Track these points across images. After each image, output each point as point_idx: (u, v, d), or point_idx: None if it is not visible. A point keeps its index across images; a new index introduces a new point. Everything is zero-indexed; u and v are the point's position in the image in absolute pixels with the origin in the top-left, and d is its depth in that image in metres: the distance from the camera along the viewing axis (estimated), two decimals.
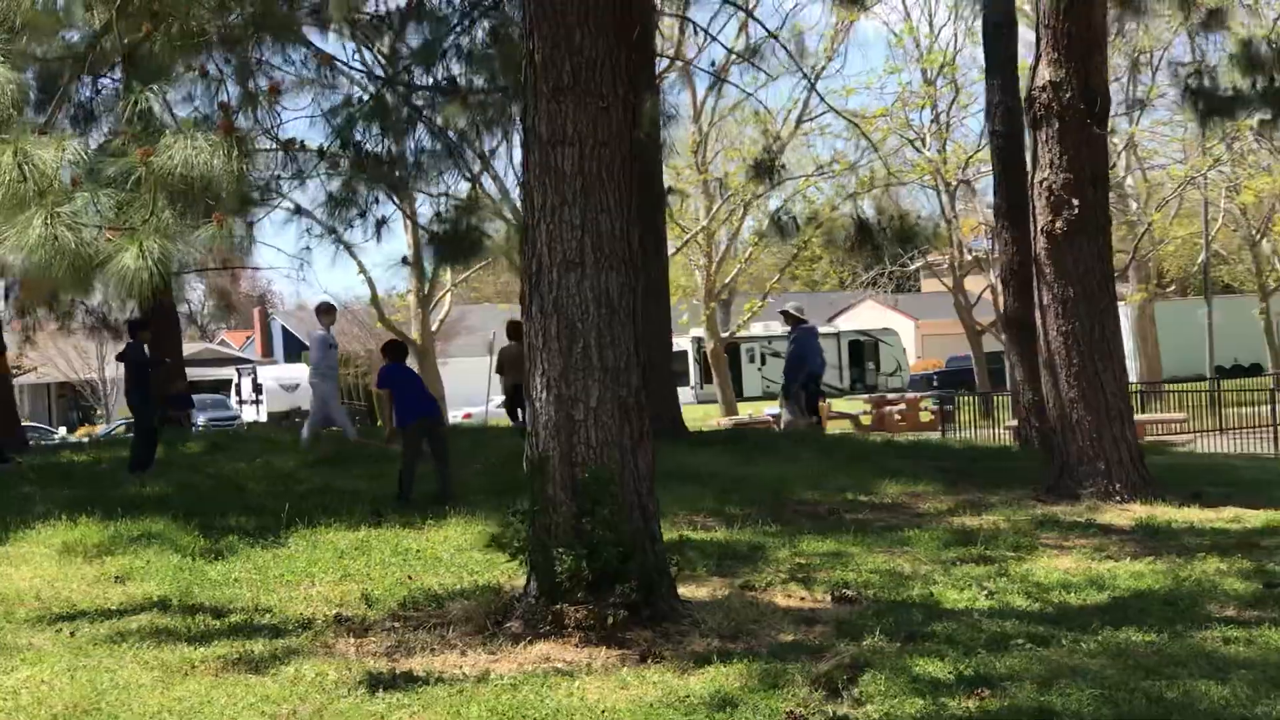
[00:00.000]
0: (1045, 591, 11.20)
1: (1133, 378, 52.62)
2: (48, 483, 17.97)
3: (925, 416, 40.26)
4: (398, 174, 18.01)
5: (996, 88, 22.78)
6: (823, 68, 44.38)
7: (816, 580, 11.76)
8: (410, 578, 12.34)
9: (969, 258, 53.33)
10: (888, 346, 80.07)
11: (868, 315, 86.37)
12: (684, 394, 68.81)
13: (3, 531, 14.64)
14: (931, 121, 49.81)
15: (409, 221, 35.77)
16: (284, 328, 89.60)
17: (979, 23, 25.50)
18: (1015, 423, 25.20)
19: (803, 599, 11.14)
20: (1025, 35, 26.75)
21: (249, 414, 65.00)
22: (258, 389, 69.51)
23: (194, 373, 66.73)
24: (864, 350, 78.94)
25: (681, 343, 74.99)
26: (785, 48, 21.75)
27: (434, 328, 52.62)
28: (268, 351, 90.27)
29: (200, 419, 56.49)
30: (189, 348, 65.30)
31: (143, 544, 13.81)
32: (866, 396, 49.52)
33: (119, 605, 11.67)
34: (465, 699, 8.56)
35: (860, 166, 47.66)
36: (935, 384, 65.62)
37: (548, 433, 10.31)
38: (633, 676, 8.92)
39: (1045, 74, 16.05)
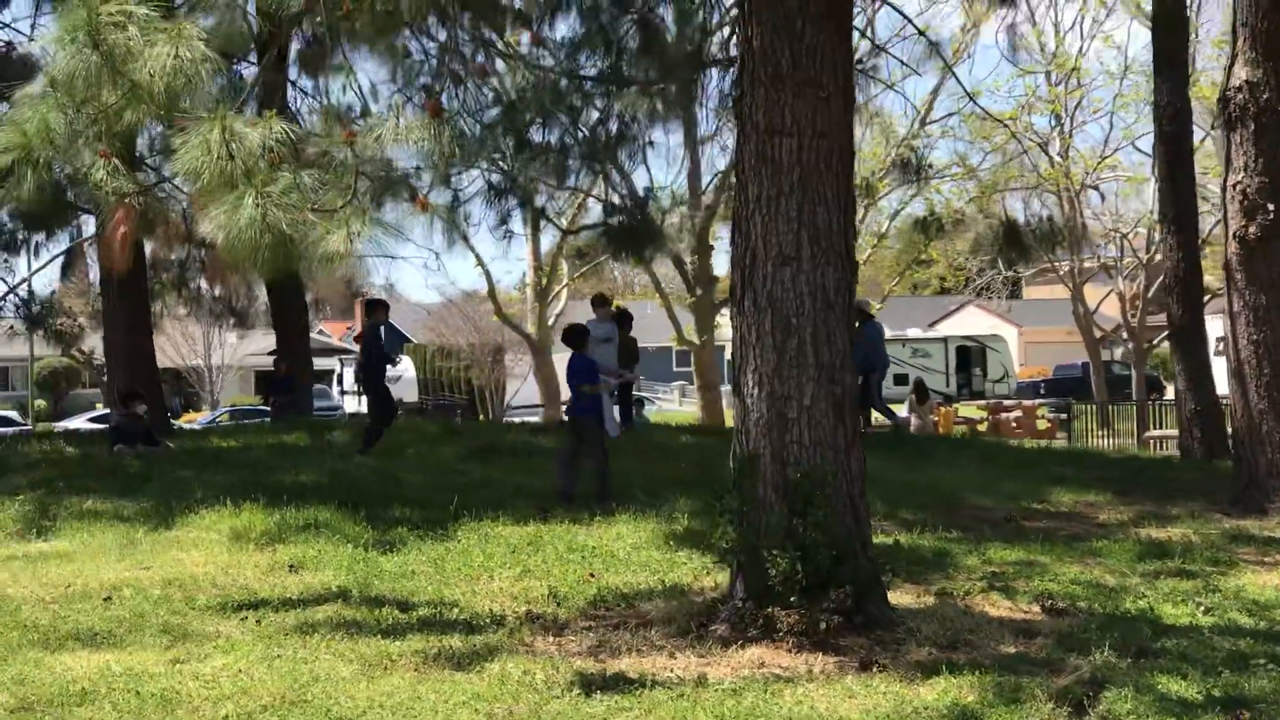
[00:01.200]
0: (1266, 610, 10.76)
1: None
2: (200, 468, 17.86)
3: (1042, 424, 39.64)
4: (569, 161, 17.59)
5: (1165, 89, 22.23)
6: (951, 66, 43.82)
7: (1018, 590, 11.37)
8: (593, 575, 12.08)
9: (1091, 265, 52.54)
10: (995, 353, 79.04)
11: (971, 320, 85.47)
12: None
13: (169, 516, 14.52)
14: (1054, 127, 48.93)
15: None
16: (392, 324, 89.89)
17: (1120, 27, 24.94)
18: (1176, 433, 24.58)
19: (1011, 609, 10.74)
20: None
21: (350, 405, 64.98)
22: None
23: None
24: (971, 356, 77.98)
25: None
26: (926, 36, 21.17)
27: (550, 322, 52.21)
28: None
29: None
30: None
31: (311, 533, 13.68)
32: (980, 403, 48.80)
33: (299, 594, 11.50)
34: (689, 704, 8.28)
35: (982, 170, 47.16)
36: (1042, 391, 64.79)
37: (759, 430, 9.98)
38: (859, 685, 8.59)
39: (1241, 74, 15.57)
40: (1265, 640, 9.63)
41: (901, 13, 22.11)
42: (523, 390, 65.13)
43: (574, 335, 16.47)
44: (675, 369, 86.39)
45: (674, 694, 8.48)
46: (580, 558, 12.76)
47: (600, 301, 22.13)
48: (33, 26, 20.83)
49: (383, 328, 20.40)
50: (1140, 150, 49.01)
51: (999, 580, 11.73)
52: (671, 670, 9.07)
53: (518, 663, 9.26)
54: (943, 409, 39.16)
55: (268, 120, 9.96)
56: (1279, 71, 15.42)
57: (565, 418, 16.23)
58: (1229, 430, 19.76)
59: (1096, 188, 49.48)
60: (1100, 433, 37.46)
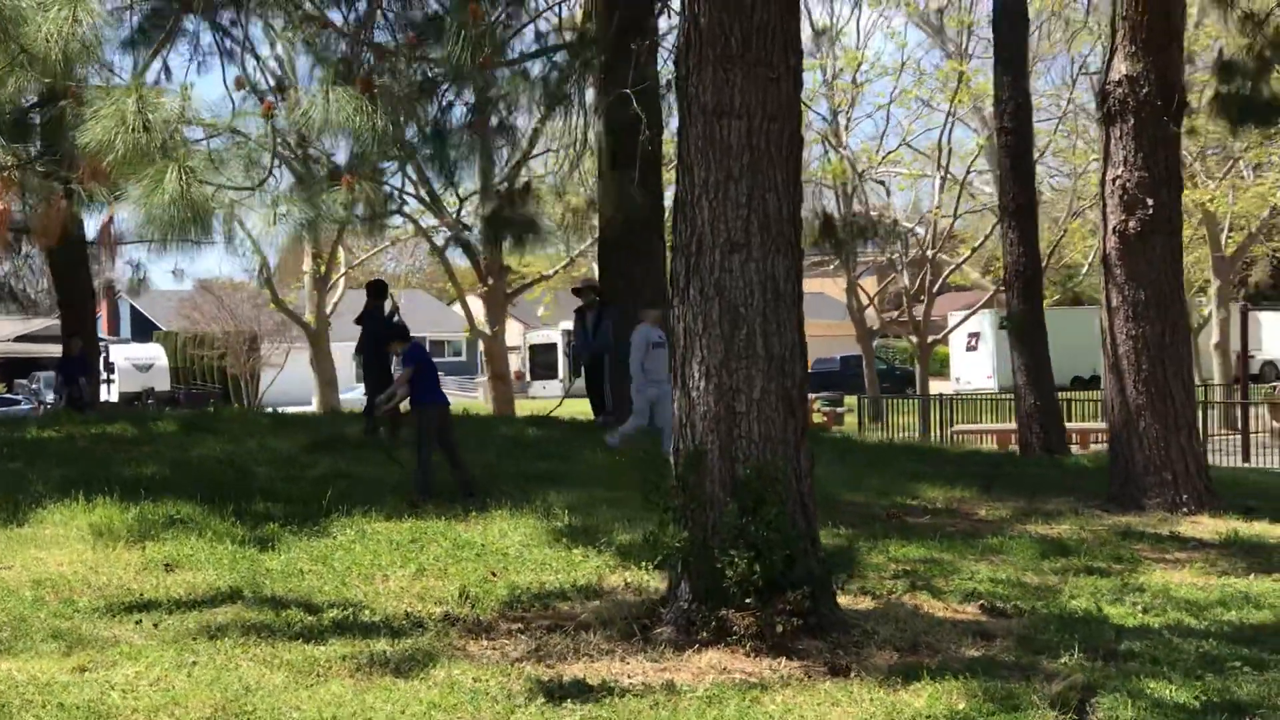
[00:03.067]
0: (1203, 609, 10.67)
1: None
2: (27, 460, 16.94)
3: (818, 417, 39.85)
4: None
5: (1007, 83, 22.29)
6: None
7: (942, 590, 11.16)
8: (494, 575, 11.64)
9: (867, 259, 53.00)
10: None
11: None
12: (553, 388, 68.25)
13: (17, 512, 13.68)
14: (829, 122, 48.91)
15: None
16: (133, 307, 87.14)
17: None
18: (985, 427, 24.80)
19: (948, 609, 10.51)
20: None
21: (100, 393, 63.09)
22: (110, 368, 67.48)
23: (36, 349, 64.95)
24: None
25: (551, 335, 74.35)
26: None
27: (329, 310, 51.13)
28: (114, 330, 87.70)
29: (49, 397, 54.82)
30: (30, 324, 63.37)
31: (179, 530, 13.00)
32: None
33: (185, 596, 10.91)
34: (669, 713, 7.90)
35: None
36: None
37: (705, 425, 9.58)
38: (839, 692, 8.27)
39: (1121, 68, 15.58)
40: (1228, 642, 9.50)
41: None
42: (281, 380, 64.03)
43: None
44: (446, 358, 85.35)
45: (648, 702, 8.10)
46: (473, 555, 12.30)
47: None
48: None
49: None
50: (913, 148, 49.67)
51: (919, 579, 11.51)
52: (630, 676, 8.68)
53: (461, 668, 8.84)
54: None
55: (182, 91, 9.31)
56: (1159, 65, 15.46)
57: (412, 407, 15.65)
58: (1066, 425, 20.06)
59: (883, 182, 49.90)
60: (872, 426, 37.79)
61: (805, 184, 23.72)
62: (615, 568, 11.86)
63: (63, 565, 11.82)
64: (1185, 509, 15.25)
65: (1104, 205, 15.92)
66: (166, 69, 15.94)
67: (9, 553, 12.25)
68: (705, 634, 9.23)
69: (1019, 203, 22.22)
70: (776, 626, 9.05)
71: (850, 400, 49.07)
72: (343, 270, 53.78)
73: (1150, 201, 15.36)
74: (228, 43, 13.34)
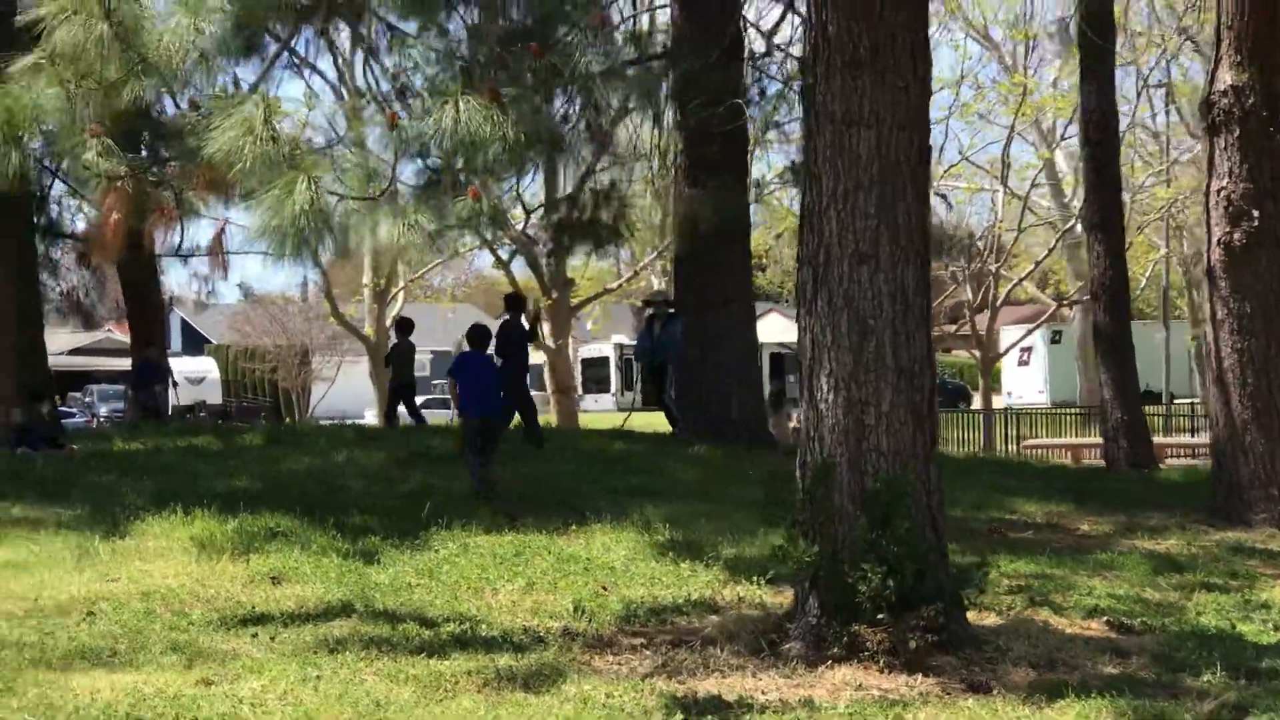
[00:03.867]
0: None
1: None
2: (119, 473, 16.90)
3: None
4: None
5: (1092, 94, 22.10)
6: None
7: (1062, 605, 10.99)
8: (604, 589, 11.52)
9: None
10: None
11: (776, 327, 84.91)
12: (605, 402, 67.99)
13: (118, 524, 13.63)
14: None
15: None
16: (184, 320, 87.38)
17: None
18: (1056, 441, 24.56)
19: (1075, 625, 10.35)
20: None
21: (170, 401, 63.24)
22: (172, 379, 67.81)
23: (94, 363, 65.06)
24: (785, 363, 77.93)
25: (603, 349, 74.08)
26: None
27: (388, 323, 51.05)
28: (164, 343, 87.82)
29: (102, 410, 54.99)
30: (83, 338, 63.53)
31: (281, 542, 12.91)
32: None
33: (296, 609, 10.81)
34: None
35: None
36: None
37: (834, 438, 9.45)
38: (982, 710, 8.14)
39: (1226, 78, 15.39)
40: None
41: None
42: (332, 394, 64.06)
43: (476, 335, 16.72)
44: None
45: (789, 719, 7.95)
46: (580, 569, 12.20)
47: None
48: None
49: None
50: (971, 162, 49.19)
51: (1036, 595, 11.35)
52: (764, 693, 8.55)
53: (591, 684, 8.72)
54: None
55: (307, 100, 9.24)
56: (1265, 75, 15.27)
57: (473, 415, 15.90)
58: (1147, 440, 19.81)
59: (944, 196, 49.48)
60: None
61: None
62: (726, 582, 11.75)
63: (169, 578, 11.76)
64: None
65: (1208, 217, 15.71)
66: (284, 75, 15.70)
67: (114, 565, 12.20)
68: (836, 649, 9.10)
69: (1105, 215, 22.03)
70: (910, 642, 8.91)
71: None
72: (401, 284, 53.74)
73: (1255, 213, 15.17)
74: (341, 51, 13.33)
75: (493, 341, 17.72)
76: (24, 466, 17.11)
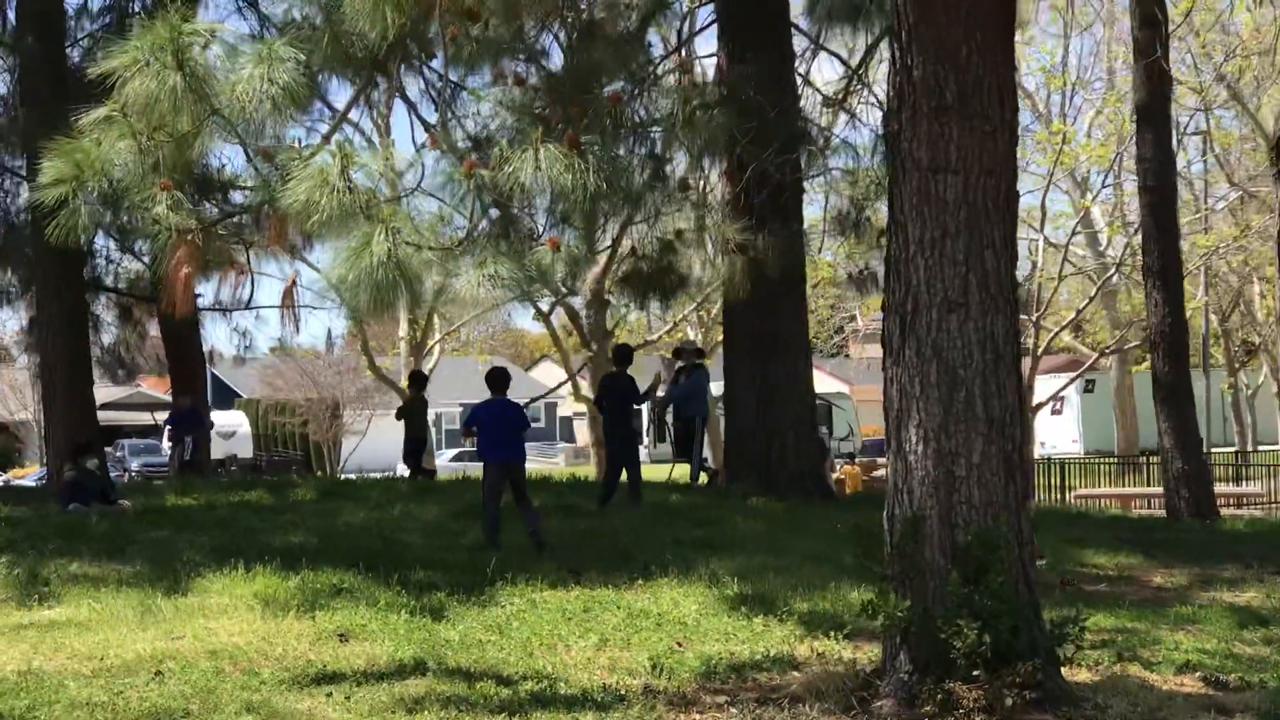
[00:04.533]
0: None
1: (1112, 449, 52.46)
2: (174, 528, 16.76)
3: None
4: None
5: (1150, 141, 21.89)
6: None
7: (1151, 660, 10.73)
8: (679, 644, 11.30)
9: None
10: (840, 410, 78.58)
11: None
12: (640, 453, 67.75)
13: (179, 581, 13.48)
14: None
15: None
16: (214, 374, 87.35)
17: None
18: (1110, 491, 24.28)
19: (1169, 682, 10.08)
20: None
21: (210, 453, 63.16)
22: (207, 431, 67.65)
23: (123, 417, 64.94)
24: (820, 414, 77.36)
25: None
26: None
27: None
28: None
29: (134, 464, 54.92)
30: (114, 392, 63.43)
31: (346, 599, 12.73)
32: (846, 461, 48.06)
33: (367, 667, 10.60)
34: None
35: None
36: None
37: (924, 490, 9.25)
38: None
39: None
40: None
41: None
42: (362, 448, 63.90)
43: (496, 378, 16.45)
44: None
45: None
46: (652, 624, 12.02)
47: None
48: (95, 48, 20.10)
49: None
50: None
51: (1123, 650, 11.09)
52: None
53: None
54: (847, 467, 38.41)
55: (384, 150, 9.08)
56: None
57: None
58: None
59: None
60: None
61: None
62: (803, 637, 11.53)
63: (234, 635, 11.57)
64: None
65: (1279, 259, 15.51)
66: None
67: (178, 623, 12.03)
68: (930, 707, 8.89)
69: (1164, 263, 21.80)
70: (1006, 699, 8.71)
71: None
72: (438, 336, 53.75)
73: None
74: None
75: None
76: (78, 523, 16.96)
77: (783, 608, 12.50)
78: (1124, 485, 36.16)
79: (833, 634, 11.39)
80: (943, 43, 9.35)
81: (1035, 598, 9.44)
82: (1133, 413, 53.64)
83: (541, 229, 9.81)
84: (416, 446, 25.34)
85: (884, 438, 9.70)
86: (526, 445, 16.53)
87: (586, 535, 16.31)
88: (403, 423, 25.29)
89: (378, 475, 31.17)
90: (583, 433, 44.84)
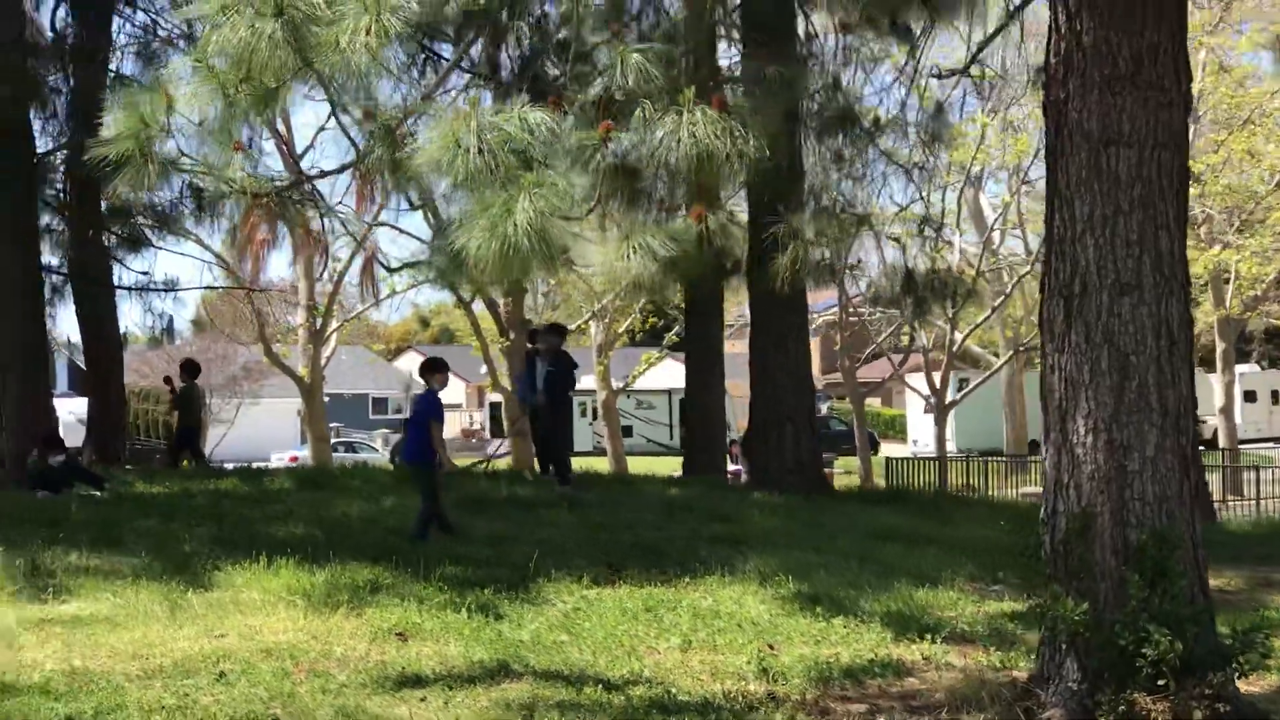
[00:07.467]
0: None
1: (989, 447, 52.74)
2: (163, 518, 15.80)
3: None
4: None
5: None
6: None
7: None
8: (771, 648, 10.61)
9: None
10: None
11: (674, 372, 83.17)
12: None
13: (199, 574, 12.61)
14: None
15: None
16: (70, 361, 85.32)
17: None
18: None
19: None
20: None
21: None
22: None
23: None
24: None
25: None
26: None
27: (323, 364, 49.58)
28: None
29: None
30: None
31: (386, 596, 11.93)
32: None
33: (443, 669, 9.86)
34: None
35: None
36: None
37: (1094, 485, 8.61)
38: None
39: None
40: None
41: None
42: (230, 437, 62.55)
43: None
44: (372, 416, 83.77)
45: None
46: (729, 625, 11.38)
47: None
48: None
49: (539, 360, 19.57)
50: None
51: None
52: None
53: None
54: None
55: (517, 114, 8.29)
56: None
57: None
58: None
59: (898, 238, 48.80)
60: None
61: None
62: (896, 640, 10.92)
63: (279, 634, 10.76)
64: None
65: None
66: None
67: (214, 619, 11.18)
68: (1110, 719, 8.24)
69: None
70: (1195, 713, 8.08)
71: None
72: (335, 325, 52.38)
73: None
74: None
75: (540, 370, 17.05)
76: (60, 511, 15.91)
77: (852, 608, 11.87)
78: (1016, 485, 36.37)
79: (929, 637, 10.80)
80: (1115, 6, 8.72)
81: (1210, 603, 8.83)
82: (1022, 411, 53.75)
83: (675, 199, 9.10)
84: (191, 434, 24.71)
85: (1043, 429, 9.04)
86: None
87: (600, 529, 15.58)
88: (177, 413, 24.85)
89: (255, 465, 30.21)
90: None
